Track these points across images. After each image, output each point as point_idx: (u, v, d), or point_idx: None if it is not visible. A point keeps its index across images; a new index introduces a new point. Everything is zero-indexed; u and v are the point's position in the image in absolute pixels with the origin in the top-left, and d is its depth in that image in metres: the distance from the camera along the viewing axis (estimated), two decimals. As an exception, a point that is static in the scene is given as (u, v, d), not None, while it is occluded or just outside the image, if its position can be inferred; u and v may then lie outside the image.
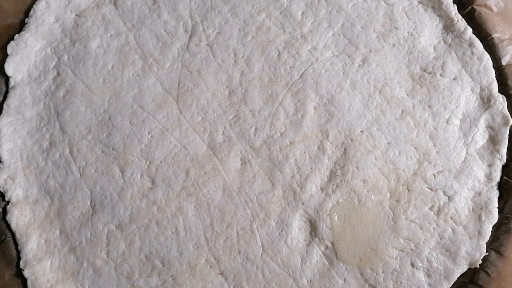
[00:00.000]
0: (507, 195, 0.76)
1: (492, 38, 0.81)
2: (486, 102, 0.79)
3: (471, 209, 0.75)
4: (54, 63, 0.82)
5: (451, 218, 0.75)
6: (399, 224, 0.74)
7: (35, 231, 0.74)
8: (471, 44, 0.81)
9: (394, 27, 0.83)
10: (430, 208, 0.75)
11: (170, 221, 0.74)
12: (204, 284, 0.72)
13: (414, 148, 0.77)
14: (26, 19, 0.82)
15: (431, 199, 0.75)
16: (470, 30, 0.81)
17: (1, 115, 0.79)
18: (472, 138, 0.78)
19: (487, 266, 0.73)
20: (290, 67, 0.81)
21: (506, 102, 0.78)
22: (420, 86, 0.80)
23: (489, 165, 0.77)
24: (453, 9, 0.82)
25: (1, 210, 0.76)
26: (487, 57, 0.80)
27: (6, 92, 0.81)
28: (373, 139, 0.77)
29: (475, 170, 0.76)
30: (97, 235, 0.74)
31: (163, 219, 0.74)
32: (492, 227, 0.75)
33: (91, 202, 0.75)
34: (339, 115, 0.78)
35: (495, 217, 0.75)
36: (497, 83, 0.80)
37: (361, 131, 0.78)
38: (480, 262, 0.73)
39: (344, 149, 0.77)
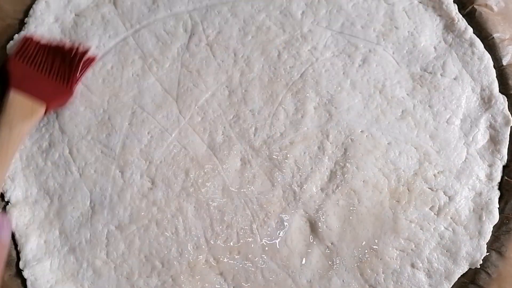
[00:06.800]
0: (508, 195, 0.76)
1: (493, 38, 0.81)
2: (486, 102, 0.79)
3: (472, 209, 0.75)
4: (54, 63, 0.82)
5: (451, 218, 0.74)
6: (400, 225, 0.74)
7: (35, 232, 0.74)
8: (471, 44, 0.80)
9: (395, 27, 0.82)
10: (431, 208, 0.75)
11: (169, 221, 0.74)
12: (204, 285, 0.72)
13: (415, 148, 0.77)
14: (26, 18, 0.82)
15: (431, 199, 0.75)
16: (470, 30, 0.81)
17: (1, 115, 0.79)
18: (472, 138, 0.78)
19: (488, 266, 0.73)
20: (290, 67, 0.80)
21: (507, 102, 0.78)
22: (420, 86, 0.80)
23: (490, 165, 0.77)
24: (454, 9, 0.82)
25: (0, 210, 0.76)
26: (487, 57, 0.80)
27: (6, 92, 0.81)
28: (374, 139, 0.77)
29: (476, 170, 0.76)
30: (96, 236, 0.74)
31: (162, 220, 0.74)
32: (493, 228, 0.75)
33: (90, 203, 0.75)
34: (339, 115, 0.78)
35: (495, 217, 0.75)
36: (498, 83, 0.79)
37: (361, 131, 0.78)
38: (481, 262, 0.72)
39: (345, 149, 0.77)
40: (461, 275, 0.73)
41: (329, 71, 0.80)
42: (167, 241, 0.74)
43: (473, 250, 0.73)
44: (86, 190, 0.76)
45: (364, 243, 0.73)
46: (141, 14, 0.83)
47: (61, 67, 0.76)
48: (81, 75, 0.78)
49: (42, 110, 0.73)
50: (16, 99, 0.71)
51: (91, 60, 0.79)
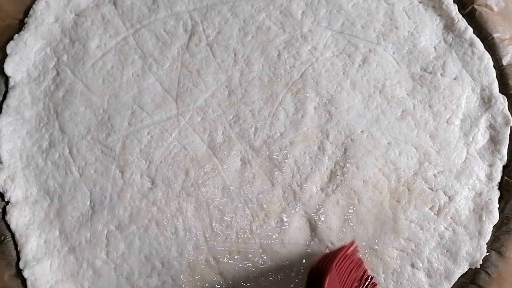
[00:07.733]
0: (508, 195, 0.76)
1: (493, 38, 0.81)
2: (486, 102, 0.79)
3: (472, 209, 0.75)
4: (54, 63, 0.82)
5: (451, 218, 0.74)
6: (400, 225, 0.74)
7: (35, 232, 0.74)
8: (471, 44, 0.80)
9: (395, 27, 0.82)
10: (431, 208, 0.75)
11: (169, 221, 0.74)
12: (204, 285, 0.72)
13: (415, 148, 0.77)
14: (26, 19, 0.82)
15: (431, 199, 0.75)
16: (470, 29, 0.81)
17: (1, 115, 0.79)
18: (472, 138, 0.78)
19: (488, 266, 0.73)
20: (290, 67, 0.80)
21: (506, 102, 0.78)
22: (420, 86, 0.80)
23: (490, 165, 0.77)
24: (454, 9, 0.82)
25: (0, 211, 0.76)
26: (487, 57, 0.80)
27: (6, 92, 0.80)
28: (374, 139, 0.77)
29: (476, 170, 0.76)
30: (96, 236, 0.74)
31: (162, 220, 0.74)
32: (493, 228, 0.74)
33: (90, 203, 0.75)
34: (339, 115, 0.78)
35: (495, 217, 0.75)
36: (498, 83, 0.79)
37: (361, 131, 0.77)
38: (481, 262, 0.72)
39: (344, 149, 0.77)
40: (461, 275, 0.73)
41: (329, 71, 0.80)
42: (167, 241, 0.74)
43: (473, 250, 0.73)
44: (86, 190, 0.76)
45: (364, 243, 0.73)
46: (141, 13, 0.83)
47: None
48: None
49: None
50: None
51: None
